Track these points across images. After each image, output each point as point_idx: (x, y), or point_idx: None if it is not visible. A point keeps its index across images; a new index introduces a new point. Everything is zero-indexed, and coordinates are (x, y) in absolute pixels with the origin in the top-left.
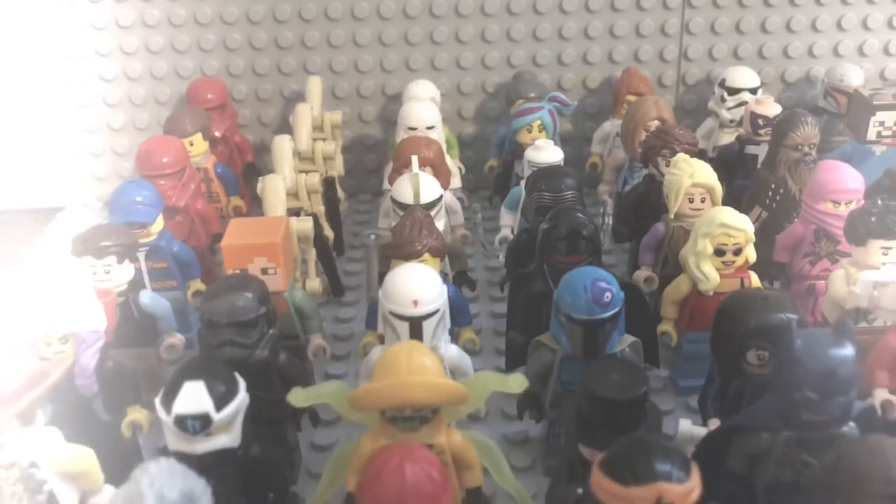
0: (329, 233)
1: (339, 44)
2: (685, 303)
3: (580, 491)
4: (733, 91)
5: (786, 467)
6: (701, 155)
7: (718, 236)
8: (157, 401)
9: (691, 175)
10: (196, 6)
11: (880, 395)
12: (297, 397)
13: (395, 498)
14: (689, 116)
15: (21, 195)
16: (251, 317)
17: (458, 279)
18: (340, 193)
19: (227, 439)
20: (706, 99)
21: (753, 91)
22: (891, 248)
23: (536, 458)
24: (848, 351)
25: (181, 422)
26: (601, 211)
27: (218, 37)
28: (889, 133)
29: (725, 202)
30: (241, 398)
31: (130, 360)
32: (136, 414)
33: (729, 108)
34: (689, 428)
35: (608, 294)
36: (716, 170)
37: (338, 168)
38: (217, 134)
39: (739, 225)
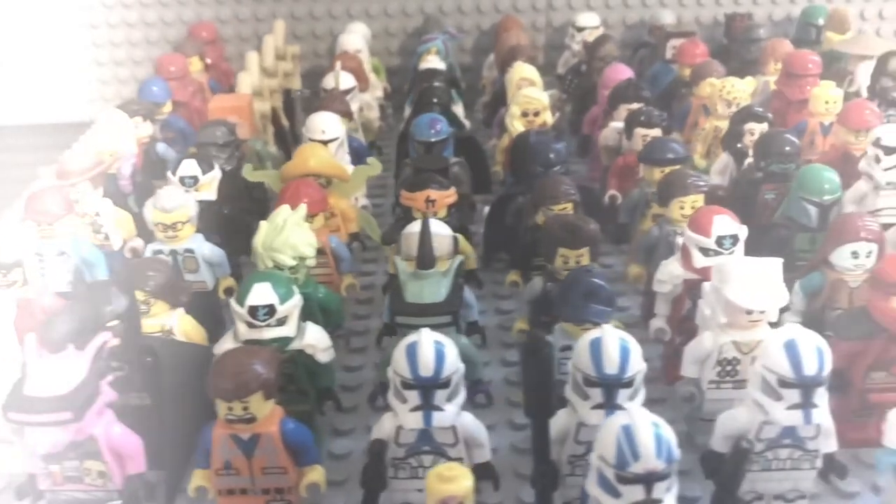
0: (285, 122)
1: None
2: (506, 150)
3: (400, 210)
4: (581, 29)
5: (532, 217)
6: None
7: (523, 104)
8: (169, 175)
9: (518, 70)
10: None
11: (610, 192)
12: (248, 173)
13: (294, 191)
14: (554, 51)
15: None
16: (226, 140)
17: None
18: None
19: (207, 195)
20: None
21: (595, 29)
22: (631, 106)
23: None
24: (560, 145)
25: (182, 181)
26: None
27: None
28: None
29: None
30: (216, 172)
31: None
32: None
33: (577, 42)
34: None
35: (439, 125)
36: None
37: (296, 83)
38: (209, 61)
39: (536, 96)
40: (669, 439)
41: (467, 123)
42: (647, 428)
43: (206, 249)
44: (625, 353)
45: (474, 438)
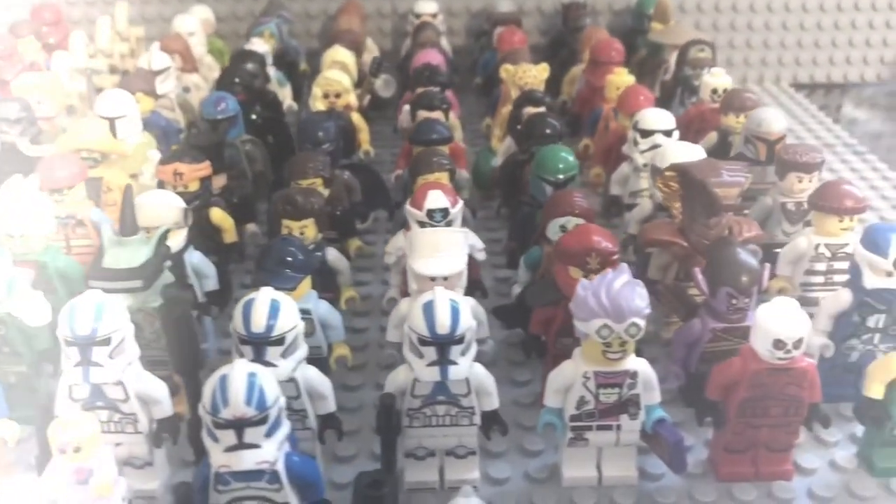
0: None
1: None
2: None
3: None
4: (419, 16)
5: None
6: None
7: (323, 85)
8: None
9: (332, 54)
10: None
11: (395, 172)
12: (25, 148)
13: (49, 164)
14: (400, 37)
15: None
16: (19, 116)
17: None
18: None
19: None
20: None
21: (433, 16)
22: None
23: None
24: (330, 124)
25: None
26: None
27: None
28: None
29: None
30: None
31: None
32: None
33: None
34: None
35: (224, 104)
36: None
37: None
38: (52, 41)
39: (336, 79)
40: (264, 387)
41: (294, 105)
42: (240, 376)
43: None
44: (274, 313)
45: (149, 396)
